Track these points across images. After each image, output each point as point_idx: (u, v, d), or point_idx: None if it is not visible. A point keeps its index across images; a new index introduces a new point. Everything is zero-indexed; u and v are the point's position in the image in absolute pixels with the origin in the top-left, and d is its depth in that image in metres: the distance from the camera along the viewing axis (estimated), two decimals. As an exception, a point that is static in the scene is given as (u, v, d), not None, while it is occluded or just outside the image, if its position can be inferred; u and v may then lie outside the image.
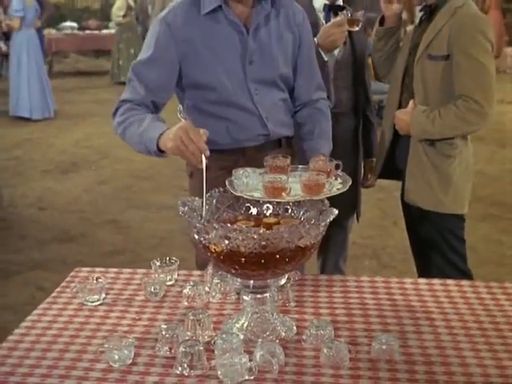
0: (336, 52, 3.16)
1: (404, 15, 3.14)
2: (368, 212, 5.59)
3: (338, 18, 3.02)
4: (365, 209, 5.57)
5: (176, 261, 2.33)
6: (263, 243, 1.76)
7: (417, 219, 3.17)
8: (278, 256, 1.79)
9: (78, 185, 6.71)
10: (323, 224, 1.86)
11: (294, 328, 1.99)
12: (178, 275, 2.35)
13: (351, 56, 3.25)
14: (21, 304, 3.97)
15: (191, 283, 2.20)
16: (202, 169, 2.05)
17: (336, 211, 1.92)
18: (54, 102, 9.97)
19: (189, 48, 2.43)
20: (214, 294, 2.20)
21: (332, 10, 3.18)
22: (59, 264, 4.57)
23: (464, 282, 2.37)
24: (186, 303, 2.15)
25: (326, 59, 3.03)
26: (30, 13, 9.53)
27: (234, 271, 1.87)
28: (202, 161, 2.06)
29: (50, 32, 13.79)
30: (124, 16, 12.19)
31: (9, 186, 6.14)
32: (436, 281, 2.38)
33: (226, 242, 1.78)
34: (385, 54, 3.22)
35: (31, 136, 8.78)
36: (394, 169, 3.19)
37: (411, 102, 3.00)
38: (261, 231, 1.77)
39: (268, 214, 2.10)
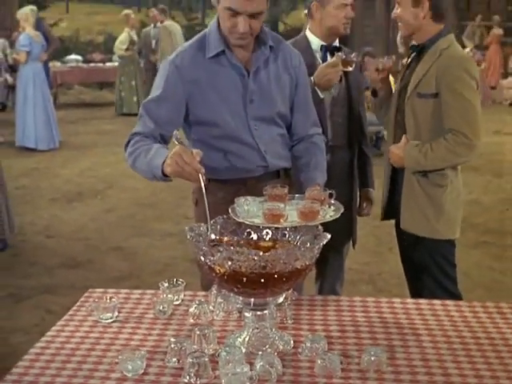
0: (332, 90, 3.39)
1: (401, 49, 3.36)
2: (364, 239, 5.80)
3: (333, 59, 3.26)
4: (361, 236, 5.77)
5: (182, 282, 2.52)
6: (263, 264, 1.95)
7: (411, 245, 3.37)
8: (276, 276, 1.98)
9: (84, 213, 6.91)
10: (317, 247, 2.06)
11: (291, 342, 2.17)
12: (185, 295, 2.53)
13: (346, 93, 3.48)
14: (31, 326, 4.16)
15: (197, 302, 2.38)
16: (201, 186, 2.24)
17: (329, 236, 2.12)
18: (58, 132, 10.20)
19: (195, 88, 2.65)
20: (217, 312, 2.38)
21: (328, 50, 3.41)
22: (67, 289, 4.76)
23: (449, 302, 2.55)
24: (192, 320, 2.34)
25: (322, 97, 3.25)
26: (37, 47, 9.78)
27: (236, 290, 2.06)
28: (199, 178, 2.26)
29: (54, 65, 14.09)
30: (126, 49, 12.47)
31: (17, 214, 6.32)
32: (423, 301, 2.57)
33: (229, 263, 1.97)
34: (387, 112, 3.47)
35: (37, 166, 9.01)
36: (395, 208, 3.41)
37: (404, 137, 3.23)
38: (261, 253, 1.96)
39: (267, 239, 2.29)
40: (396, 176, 3.39)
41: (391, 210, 3.45)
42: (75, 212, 6.97)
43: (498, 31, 16.63)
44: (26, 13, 9.71)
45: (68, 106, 14.21)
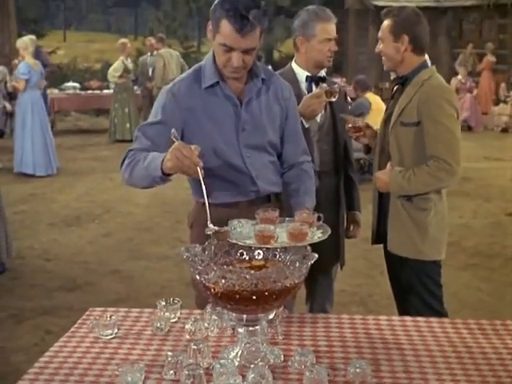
0: (318, 119, 3.55)
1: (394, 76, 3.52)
2: (356, 262, 5.95)
3: (317, 90, 3.43)
4: (353, 259, 5.94)
5: (179, 301, 2.65)
6: (254, 282, 2.09)
7: (398, 266, 3.52)
8: (266, 293, 2.12)
9: (82, 237, 7.04)
10: (305, 266, 2.20)
11: (282, 356, 2.30)
12: (181, 313, 2.66)
13: (331, 122, 3.64)
14: (31, 346, 4.28)
15: (192, 319, 2.51)
16: (200, 179, 2.44)
17: (316, 255, 2.26)
18: (56, 159, 10.34)
19: (191, 116, 2.81)
20: (212, 328, 2.51)
21: (314, 81, 3.58)
22: (66, 310, 4.88)
23: (433, 319, 2.69)
24: (187, 336, 2.47)
25: (306, 126, 3.41)
26: (36, 76, 9.93)
27: (229, 307, 2.20)
28: (198, 171, 2.42)
29: (52, 92, 14.27)
30: (120, 77, 12.67)
31: (16, 238, 6.46)
32: (408, 318, 2.71)
33: (223, 281, 2.11)
34: None
35: (36, 191, 9.15)
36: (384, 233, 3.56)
37: (389, 164, 3.40)
38: (252, 272, 2.11)
39: (259, 259, 2.43)
40: (383, 201, 3.54)
41: (381, 234, 3.59)
42: (73, 236, 7.09)
43: (491, 58, 16.90)
44: (26, 42, 9.89)
45: (65, 133, 14.36)
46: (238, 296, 2.12)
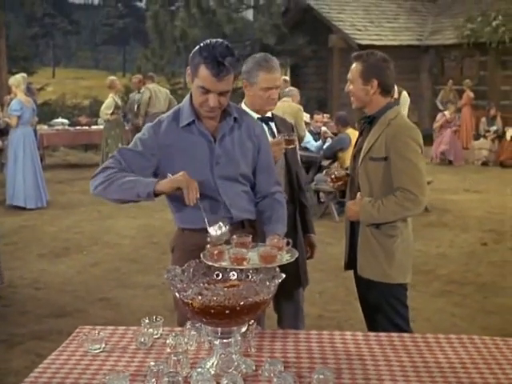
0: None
1: None
2: (335, 289, 6.21)
3: (278, 138, 3.74)
4: (332, 287, 6.20)
5: (161, 318, 2.90)
6: (227, 298, 2.36)
7: (367, 288, 3.79)
8: (238, 308, 2.38)
9: (71, 267, 7.26)
10: (273, 284, 2.46)
11: (253, 366, 2.55)
12: (163, 330, 2.91)
13: (284, 158, 3.93)
14: (22, 368, 4.48)
15: (173, 335, 2.76)
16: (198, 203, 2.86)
17: (283, 275, 2.53)
18: (46, 192, 10.58)
19: (168, 152, 3.11)
20: (191, 343, 2.76)
21: (263, 121, 3.82)
22: (56, 335, 5.08)
23: (393, 334, 2.96)
24: (169, 350, 2.71)
25: None
26: (27, 112, 10.20)
27: (205, 320, 2.46)
28: (197, 198, 2.84)
29: (42, 128, 14.52)
30: (112, 114, 12.99)
31: (7, 268, 6.68)
32: (371, 333, 2.97)
33: (200, 297, 2.38)
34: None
35: (26, 223, 9.36)
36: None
37: (358, 194, 3.70)
38: (225, 289, 2.37)
39: (233, 279, 2.69)
40: (354, 229, 3.82)
41: (352, 260, 3.86)
42: (62, 266, 7.31)
43: (470, 94, 17.34)
44: (18, 79, 10.19)
45: (55, 167, 14.59)
46: (213, 311, 2.38)
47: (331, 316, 5.78)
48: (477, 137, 15.82)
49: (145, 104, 13.18)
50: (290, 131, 4.00)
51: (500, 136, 15.30)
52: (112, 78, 13.66)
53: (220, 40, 3.00)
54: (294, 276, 3.98)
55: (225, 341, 2.53)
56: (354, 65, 3.74)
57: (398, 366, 2.60)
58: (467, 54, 18.82)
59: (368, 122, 3.77)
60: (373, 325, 3.80)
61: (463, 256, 7.76)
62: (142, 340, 2.78)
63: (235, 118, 3.20)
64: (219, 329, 2.50)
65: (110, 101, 13.07)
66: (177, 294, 2.45)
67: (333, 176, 3.89)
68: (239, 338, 2.58)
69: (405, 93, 11.06)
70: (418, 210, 3.64)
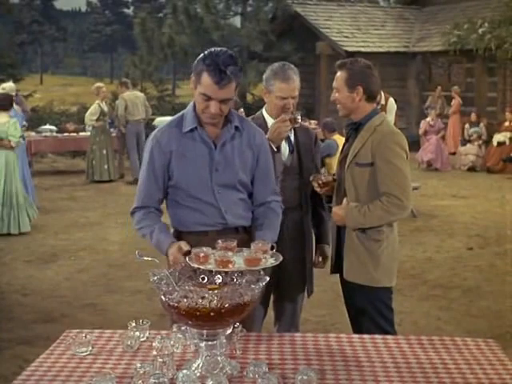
0: (285, 158, 3.90)
1: None
2: (323, 294, 6.24)
3: (282, 116, 3.78)
4: (320, 291, 6.24)
5: (147, 322, 2.94)
6: (212, 301, 2.39)
7: (353, 292, 3.82)
8: (223, 311, 2.42)
9: (58, 273, 7.27)
10: (257, 287, 2.50)
11: (238, 367, 2.59)
12: (150, 333, 2.94)
13: (298, 163, 3.97)
14: (10, 374, 4.49)
15: (159, 338, 2.79)
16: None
17: (267, 278, 2.57)
18: (35, 198, 10.52)
19: (171, 157, 3.20)
20: (177, 345, 2.79)
21: None
22: (43, 340, 5.08)
23: (377, 336, 3.00)
24: (155, 352, 2.73)
25: (275, 149, 3.75)
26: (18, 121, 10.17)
27: (191, 323, 2.49)
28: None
29: (29, 134, 14.47)
30: (97, 120, 12.99)
31: (-5, 275, 6.71)
32: (355, 335, 3.01)
33: (185, 300, 2.41)
34: None
35: (14, 230, 9.35)
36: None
37: (345, 200, 3.73)
38: (210, 292, 2.41)
39: (218, 283, 2.72)
40: (341, 233, 3.86)
41: (338, 264, 3.90)
42: (50, 272, 7.32)
43: (459, 100, 17.46)
44: (10, 89, 10.19)
45: (42, 174, 14.56)
46: (198, 313, 2.42)
47: (317, 320, 5.82)
48: (463, 142, 15.91)
49: (122, 114, 13.16)
50: (311, 141, 4.06)
51: (486, 142, 15.41)
52: (98, 84, 13.68)
53: (224, 49, 3.09)
54: (300, 282, 4.05)
55: (210, 343, 2.57)
56: (338, 73, 3.79)
57: (380, 367, 2.65)
58: (454, 61, 18.94)
59: (354, 129, 3.81)
60: (358, 328, 3.84)
61: (449, 260, 7.83)
62: (129, 343, 2.82)
63: (236, 127, 3.27)
64: (204, 331, 2.54)
65: (95, 107, 13.09)
66: (162, 297, 2.49)
67: (320, 181, 3.92)
68: (224, 340, 2.62)
69: (391, 99, 11.11)
70: (403, 215, 3.70)
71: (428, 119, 15.81)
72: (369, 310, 3.76)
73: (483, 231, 9.28)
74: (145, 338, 2.91)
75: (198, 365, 2.57)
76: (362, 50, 18.93)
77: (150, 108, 14.30)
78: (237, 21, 23.28)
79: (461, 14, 18.89)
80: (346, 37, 19.31)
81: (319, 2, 21.30)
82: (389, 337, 3.01)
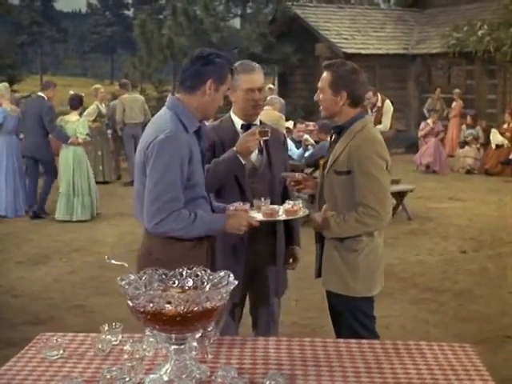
0: (253, 159, 3.86)
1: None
2: (312, 297, 6.22)
3: (251, 129, 3.75)
4: (309, 294, 6.21)
5: (120, 325, 2.92)
6: (177, 306, 2.37)
7: (331, 299, 3.80)
8: (189, 315, 2.40)
9: (49, 275, 7.26)
10: (223, 290, 2.46)
11: (208, 372, 2.57)
12: (122, 337, 2.93)
13: (268, 164, 3.93)
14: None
15: (131, 341, 2.78)
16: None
17: (236, 282, 2.54)
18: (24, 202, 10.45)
19: (191, 156, 3.23)
20: (148, 349, 2.78)
21: (248, 128, 3.85)
22: (29, 342, 5.06)
23: (352, 341, 2.98)
24: (126, 356, 2.72)
25: (243, 163, 3.70)
26: (11, 121, 10.18)
27: (158, 327, 2.47)
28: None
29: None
30: (94, 121, 12.98)
31: (-14, 276, 6.71)
32: (329, 340, 2.98)
33: (151, 305, 2.39)
34: None
35: (8, 231, 9.34)
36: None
37: (324, 207, 3.69)
38: (176, 296, 2.39)
39: (187, 287, 2.67)
40: (323, 239, 3.80)
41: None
42: (40, 273, 7.30)
43: (460, 103, 17.44)
44: (2, 89, 10.20)
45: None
46: (164, 318, 2.39)
47: (306, 323, 5.80)
48: (462, 145, 15.87)
49: (120, 117, 13.12)
50: (280, 141, 4.06)
51: (484, 144, 15.37)
52: (96, 86, 13.70)
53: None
54: (274, 284, 4.03)
55: (179, 347, 2.54)
56: (324, 74, 3.72)
57: (352, 372, 2.63)
58: (454, 63, 18.93)
59: (337, 132, 3.75)
60: (338, 333, 3.81)
61: (442, 264, 7.80)
62: (100, 346, 2.80)
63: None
64: (173, 335, 2.51)
65: (92, 108, 13.08)
66: (129, 302, 2.47)
67: (289, 179, 3.90)
68: (194, 345, 2.60)
69: (388, 101, 11.13)
70: (379, 226, 3.63)
71: (429, 121, 15.78)
72: (347, 319, 3.72)
73: (478, 234, 9.25)
74: (117, 342, 2.89)
75: (167, 369, 2.55)
76: (362, 51, 18.91)
77: (149, 110, 14.26)
78: (236, 22, 23.33)
79: (461, 17, 18.85)
80: (345, 39, 19.29)
81: (319, 4, 21.37)
82: (364, 341, 2.98)
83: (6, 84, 10.75)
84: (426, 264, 7.80)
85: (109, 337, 2.87)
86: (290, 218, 3.71)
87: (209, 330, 2.80)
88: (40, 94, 10.39)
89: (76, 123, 10.05)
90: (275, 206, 3.70)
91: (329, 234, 3.67)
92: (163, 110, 3.34)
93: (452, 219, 10.21)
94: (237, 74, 3.77)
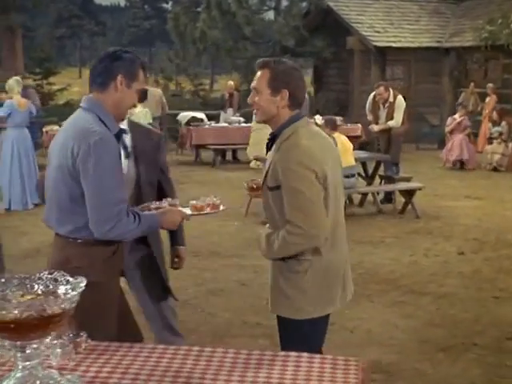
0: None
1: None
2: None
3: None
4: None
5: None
6: (10, 314, 2.30)
7: (280, 325, 3.49)
8: (23, 323, 2.33)
9: (34, 268, 7.15)
10: (69, 296, 2.39)
11: (58, 379, 2.50)
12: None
13: (135, 169, 3.77)
14: None
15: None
16: None
17: (83, 284, 2.46)
18: (35, 195, 10.55)
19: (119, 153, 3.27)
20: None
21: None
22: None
23: (229, 351, 2.86)
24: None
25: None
26: (19, 115, 10.27)
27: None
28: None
29: (52, 128, 14.62)
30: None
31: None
32: (194, 348, 2.84)
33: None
34: None
35: (9, 224, 9.36)
36: None
37: (267, 225, 3.41)
38: (7, 304, 2.32)
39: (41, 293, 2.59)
40: None
41: None
42: (25, 268, 7.29)
43: (494, 97, 17.01)
44: (12, 83, 10.33)
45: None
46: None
47: (270, 324, 5.62)
48: (490, 141, 15.49)
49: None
50: (153, 145, 3.93)
51: (505, 140, 14.93)
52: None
53: None
54: (156, 284, 3.97)
55: (24, 354, 2.48)
56: (259, 72, 3.29)
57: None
58: (491, 56, 18.48)
59: (271, 141, 3.35)
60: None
61: (434, 265, 7.59)
62: None
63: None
64: (18, 342, 2.45)
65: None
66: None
67: (253, 185, 3.77)
68: (42, 350, 2.54)
69: (400, 97, 10.94)
70: (311, 244, 3.20)
71: (456, 116, 15.45)
72: (295, 344, 3.18)
73: (483, 235, 8.98)
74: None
75: (14, 376, 2.49)
76: (393, 44, 18.63)
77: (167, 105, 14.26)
78: (271, 15, 23.21)
79: (497, 9, 18.36)
80: (378, 32, 19.02)
81: (354, -3, 21.03)
82: (292, 354, 2.76)
83: (19, 78, 10.89)
84: (417, 265, 7.60)
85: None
86: (215, 211, 3.64)
87: (81, 335, 2.76)
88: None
89: (139, 114, 10.76)
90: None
91: (265, 254, 3.37)
92: (80, 112, 3.27)
93: (460, 218, 9.94)
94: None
